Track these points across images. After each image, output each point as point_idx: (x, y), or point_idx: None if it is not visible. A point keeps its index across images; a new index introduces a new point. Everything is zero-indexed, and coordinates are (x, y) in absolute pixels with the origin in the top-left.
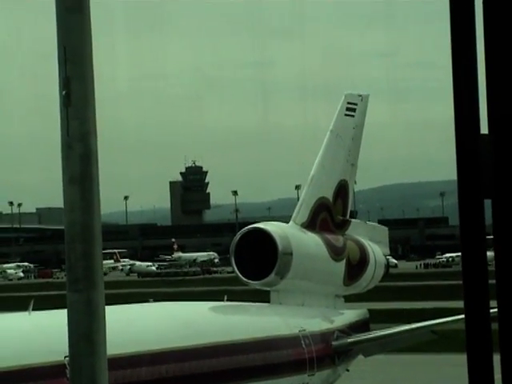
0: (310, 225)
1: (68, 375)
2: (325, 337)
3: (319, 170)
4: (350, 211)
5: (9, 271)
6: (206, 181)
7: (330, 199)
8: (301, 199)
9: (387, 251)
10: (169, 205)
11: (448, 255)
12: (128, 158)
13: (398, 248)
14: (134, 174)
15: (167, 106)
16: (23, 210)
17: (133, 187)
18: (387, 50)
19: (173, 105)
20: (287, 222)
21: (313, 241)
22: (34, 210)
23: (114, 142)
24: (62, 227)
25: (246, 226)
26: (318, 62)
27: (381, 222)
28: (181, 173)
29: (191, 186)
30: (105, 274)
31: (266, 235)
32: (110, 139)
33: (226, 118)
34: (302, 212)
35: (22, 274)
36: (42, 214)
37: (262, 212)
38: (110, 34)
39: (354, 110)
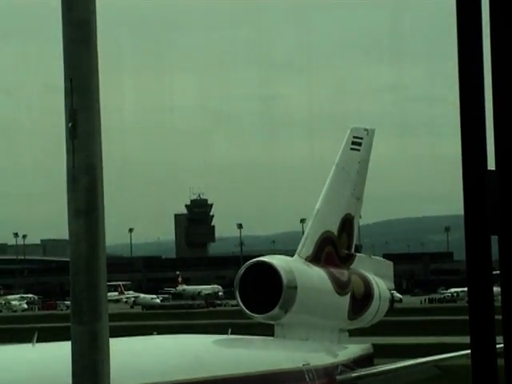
0: (314, 258)
1: None
2: (329, 371)
3: (324, 203)
4: (355, 245)
5: (13, 302)
6: (211, 213)
7: (335, 233)
8: (306, 233)
9: (392, 286)
10: (173, 237)
11: (453, 290)
12: (133, 191)
13: (402, 282)
14: (139, 207)
15: (173, 140)
16: (28, 241)
17: (138, 219)
18: (395, 83)
19: (179, 138)
20: (292, 256)
21: (317, 274)
22: (39, 242)
23: (119, 174)
24: (67, 259)
25: (251, 259)
26: (325, 96)
27: (386, 256)
28: (186, 205)
29: (196, 218)
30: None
31: (270, 268)
32: (115, 172)
33: (232, 152)
34: (306, 246)
35: (25, 306)
36: (46, 245)
37: (267, 245)
38: (116, 67)
39: (359, 144)
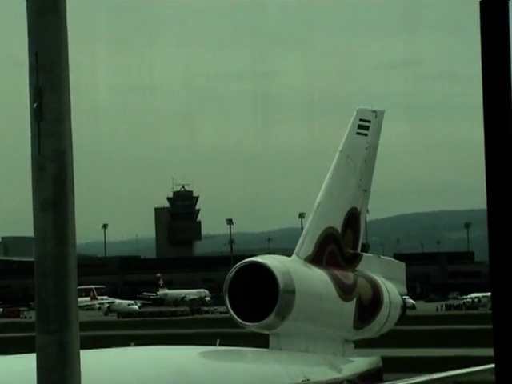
0: (315, 259)
1: None
2: None
3: (326, 196)
4: (362, 244)
5: None
6: (197, 207)
7: (339, 230)
8: (305, 229)
9: (404, 290)
10: (154, 234)
11: (474, 295)
12: (108, 181)
13: (416, 286)
14: (115, 200)
15: (154, 122)
16: None
17: (113, 214)
18: (408, 58)
19: (160, 120)
20: (289, 256)
21: (319, 277)
22: None
23: (92, 162)
24: (32, 259)
25: (242, 259)
26: (327, 74)
27: (397, 256)
28: (168, 198)
29: (180, 213)
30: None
31: (264, 270)
32: (87, 159)
33: (221, 137)
34: (306, 244)
35: None
36: (7, 243)
37: (261, 244)
38: (89, 39)
39: (367, 127)
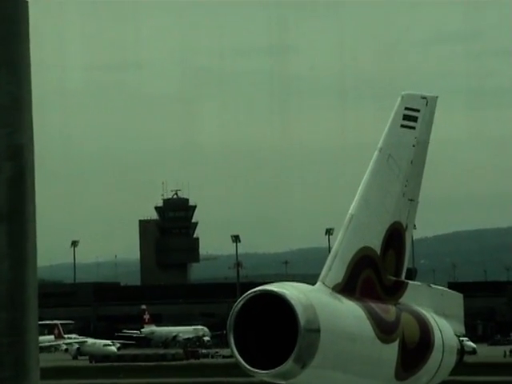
0: (346, 288)
1: None
2: None
3: (361, 207)
4: (408, 269)
5: None
6: (194, 220)
7: (378, 251)
8: (333, 250)
9: (462, 329)
10: (138, 255)
11: None
12: (80, 186)
13: (477, 325)
14: (88, 210)
15: (140, 111)
16: None
17: (85, 229)
18: (463, 31)
19: (148, 109)
20: (313, 284)
21: (351, 312)
22: None
23: (60, 161)
24: None
25: (252, 287)
26: (362, 50)
27: (452, 285)
28: (157, 208)
29: (172, 226)
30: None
31: (281, 303)
32: (54, 157)
33: (226, 131)
34: (335, 269)
35: None
36: None
37: (276, 268)
38: (56, 5)
39: (414, 119)
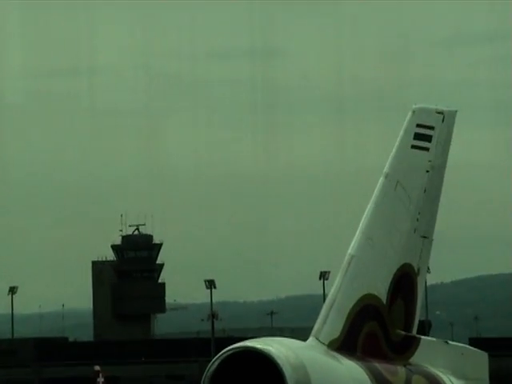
0: (345, 344)
1: None
2: None
3: (364, 246)
4: (420, 321)
5: None
6: (159, 261)
7: (383, 299)
8: (329, 298)
9: None
10: (90, 304)
11: None
12: (17, 220)
13: None
14: (29, 249)
15: (93, 126)
16: None
17: (26, 272)
18: (488, 30)
19: (103, 123)
20: (305, 339)
21: (350, 374)
22: None
23: None
24: None
25: (230, 343)
26: (363, 54)
27: (474, 342)
28: (113, 246)
29: (132, 269)
30: None
31: (265, 362)
32: None
33: (198, 151)
34: (331, 321)
35: None
36: None
37: (259, 319)
38: None
39: (428, 138)
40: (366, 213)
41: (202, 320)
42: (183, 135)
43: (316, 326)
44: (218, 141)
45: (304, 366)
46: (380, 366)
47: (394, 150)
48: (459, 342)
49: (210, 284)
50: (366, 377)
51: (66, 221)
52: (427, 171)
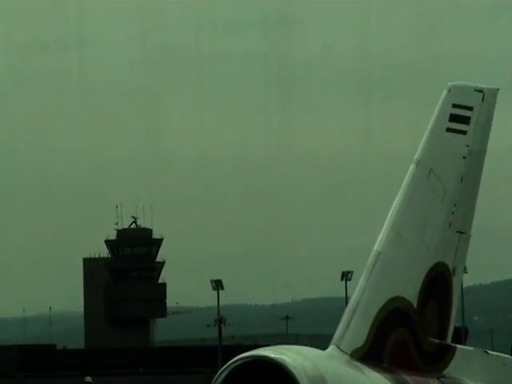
0: (370, 354)
1: None
2: None
3: (392, 242)
4: (455, 328)
5: None
6: (159, 259)
7: (414, 303)
8: (352, 302)
9: None
10: (81, 307)
11: None
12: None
13: None
14: (11, 245)
15: (84, 106)
16: None
17: (8, 272)
18: None
19: (96, 103)
20: (324, 348)
21: None
22: None
23: None
24: None
25: (240, 352)
26: (391, 23)
27: None
28: (108, 241)
29: (129, 268)
30: None
31: (279, 373)
32: None
33: (203, 135)
34: (354, 328)
35: None
36: None
37: (273, 325)
38: None
39: (466, 120)
40: (394, 205)
41: (208, 326)
42: (187, 116)
43: (337, 333)
44: (226, 123)
45: (323, 378)
46: (410, 379)
47: (426, 134)
48: (500, 351)
49: (217, 285)
50: None
51: (53, 213)
52: (464, 158)
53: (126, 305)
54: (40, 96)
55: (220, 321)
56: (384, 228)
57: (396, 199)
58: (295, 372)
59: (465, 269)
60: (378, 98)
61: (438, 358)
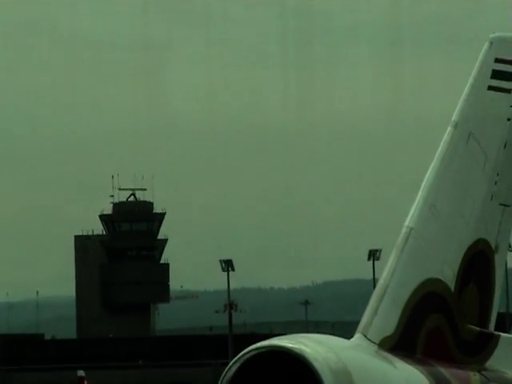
0: (402, 343)
1: None
2: None
3: (426, 217)
4: (498, 314)
5: None
6: (161, 236)
7: (451, 286)
8: (380, 284)
9: None
10: (72, 291)
11: None
12: None
13: None
14: None
15: (75, 61)
16: None
17: None
18: None
19: (88, 57)
20: (349, 337)
21: (407, 382)
22: None
23: None
24: None
25: (253, 342)
26: None
27: None
28: (103, 216)
29: (126, 246)
30: None
31: (297, 366)
32: None
33: (210, 95)
34: (383, 314)
35: None
36: None
37: (290, 311)
38: None
39: (510, 76)
40: (428, 174)
41: (217, 312)
42: (191, 75)
43: (364, 320)
44: (236, 82)
45: (348, 371)
46: (446, 372)
47: (465, 93)
48: None
49: (227, 265)
50: (427, 383)
51: (40, 183)
52: (509, 119)
53: (124, 288)
54: (27, 51)
55: (231, 306)
56: (416, 200)
57: (430, 167)
58: (316, 364)
59: (509, 246)
60: (408, 51)
61: (479, 348)
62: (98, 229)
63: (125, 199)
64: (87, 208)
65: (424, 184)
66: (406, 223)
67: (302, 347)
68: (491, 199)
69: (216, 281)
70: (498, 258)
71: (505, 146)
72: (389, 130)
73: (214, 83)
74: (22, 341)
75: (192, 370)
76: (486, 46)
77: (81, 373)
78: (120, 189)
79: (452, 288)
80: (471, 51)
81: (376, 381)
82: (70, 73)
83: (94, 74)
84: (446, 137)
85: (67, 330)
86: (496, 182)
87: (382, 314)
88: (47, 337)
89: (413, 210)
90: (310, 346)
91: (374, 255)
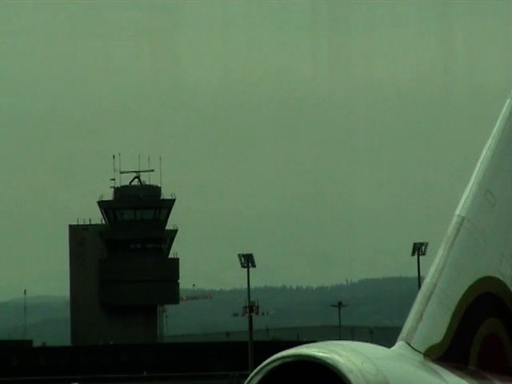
0: (452, 353)
1: None
2: None
3: (480, 204)
4: None
5: None
6: (170, 226)
7: (510, 285)
8: (426, 284)
9: None
10: (67, 290)
11: None
12: None
13: None
14: None
15: (76, 36)
16: None
17: None
18: None
19: (90, 33)
20: (390, 345)
21: None
22: None
23: None
24: None
25: (277, 350)
26: None
27: None
28: (102, 203)
29: (130, 238)
30: None
31: (330, 378)
32: None
33: (225, 65)
34: (430, 319)
35: None
36: None
37: (320, 315)
38: None
39: None
40: (483, 155)
41: (235, 315)
42: (206, 39)
43: (407, 326)
44: (259, 47)
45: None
46: None
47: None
48: None
49: (247, 260)
50: None
51: (31, 165)
52: None
53: (126, 288)
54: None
55: (251, 308)
56: (469, 186)
57: (485, 147)
58: (350, 376)
59: None
60: (458, 11)
61: None
62: (97, 217)
63: (127, 183)
64: (84, 193)
65: (478, 167)
66: (458, 212)
67: (335, 356)
68: None
69: (234, 279)
70: None
71: None
72: (436, 103)
73: (232, 48)
74: (7, 348)
75: (205, 382)
76: None
77: None
78: (122, 172)
79: (511, 288)
80: None
81: None
82: (66, 39)
83: (94, 41)
84: (504, 110)
85: (60, 336)
86: None
87: (429, 318)
88: (36, 344)
89: (465, 197)
90: (344, 355)
91: (419, 249)
